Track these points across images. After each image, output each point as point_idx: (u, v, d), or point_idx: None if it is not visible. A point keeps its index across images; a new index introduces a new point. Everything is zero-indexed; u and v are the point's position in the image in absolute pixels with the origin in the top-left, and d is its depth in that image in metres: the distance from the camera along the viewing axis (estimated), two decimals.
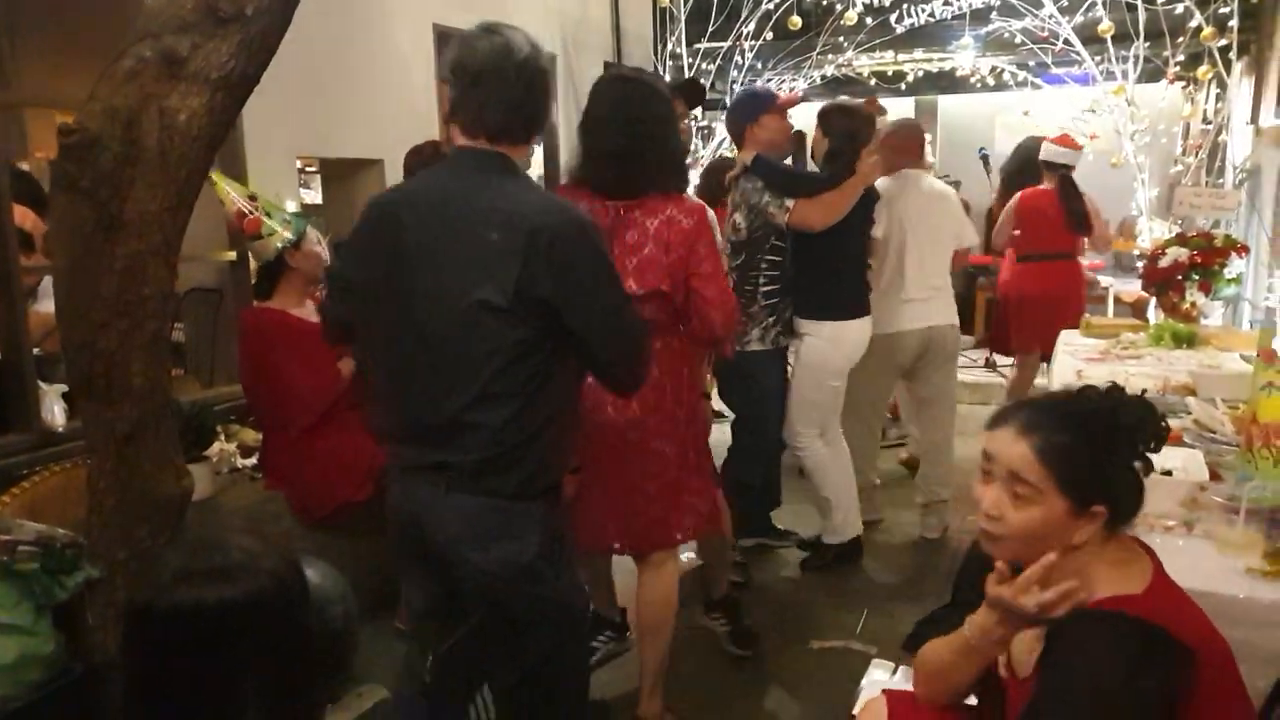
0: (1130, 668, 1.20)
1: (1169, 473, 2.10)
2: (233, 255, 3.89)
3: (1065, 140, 4.63)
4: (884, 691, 1.61)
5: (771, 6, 5.58)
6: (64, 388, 2.83)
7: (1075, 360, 3.47)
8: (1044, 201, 4.59)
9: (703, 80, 5.84)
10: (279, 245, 2.87)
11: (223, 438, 3.14)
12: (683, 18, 5.82)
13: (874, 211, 3.45)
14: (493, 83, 1.76)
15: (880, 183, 3.54)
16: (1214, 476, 2.10)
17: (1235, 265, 3.93)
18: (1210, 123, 5.33)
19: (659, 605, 2.51)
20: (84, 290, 1.98)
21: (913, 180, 3.76)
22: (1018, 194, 4.67)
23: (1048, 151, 4.61)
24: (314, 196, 6.40)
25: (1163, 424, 1.43)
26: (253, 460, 3.12)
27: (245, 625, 1.09)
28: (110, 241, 1.98)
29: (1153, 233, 5.10)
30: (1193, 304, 3.89)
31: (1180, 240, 3.99)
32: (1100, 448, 1.35)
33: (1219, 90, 5.19)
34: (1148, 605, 1.27)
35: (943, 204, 3.83)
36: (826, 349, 3.36)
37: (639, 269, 2.32)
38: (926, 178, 3.88)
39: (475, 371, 1.73)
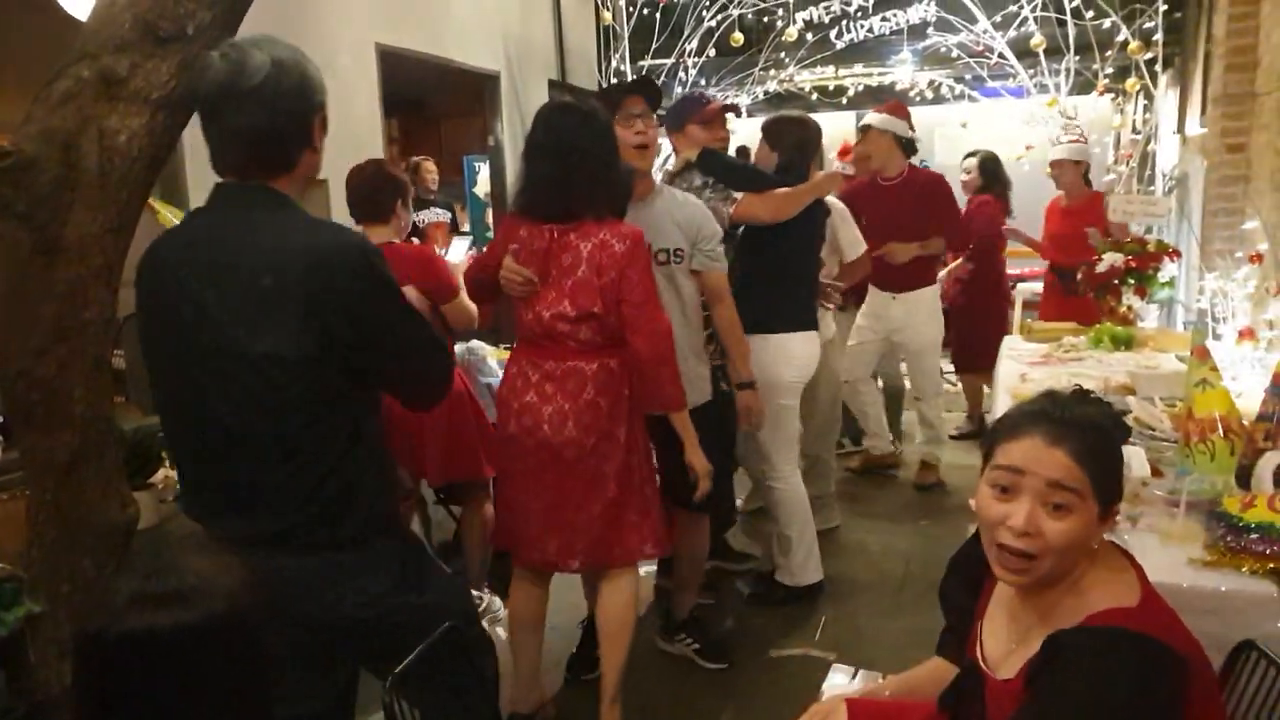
0: (1132, 688, 1.19)
1: None
2: None
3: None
4: (848, 700, 1.61)
5: (714, 24, 5.66)
6: None
7: (1019, 365, 3.55)
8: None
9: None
10: None
11: (167, 464, 3.06)
12: (626, 35, 5.87)
13: (824, 228, 3.43)
14: (227, 113, 1.61)
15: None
16: (1155, 472, 2.16)
17: (1168, 269, 4.06)
18: (1139, 132, 5.52)
19: (615, 618, 2.53)
20: (22, 316, 1.92)
21: None
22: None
23: None
24: None
25: (1128, 426, 1.47)
26: None
27: (201, 650, 1.06)
28: (50, 266, 1.93)
29: (1088, 240, 5.25)
30: (1129, 307, 4.01)
31: (1116, 246, 4.11)
32: (1116, 447, 1.36)
33: (1146, 101, 5.37)
34: (1144, 618, 1.26)
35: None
36: (772, 364, 3.19)
37: (573, 291, 2.38)
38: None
39: (279, 431, 1.60)
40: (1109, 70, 5.18)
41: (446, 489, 3.48)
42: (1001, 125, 5.86)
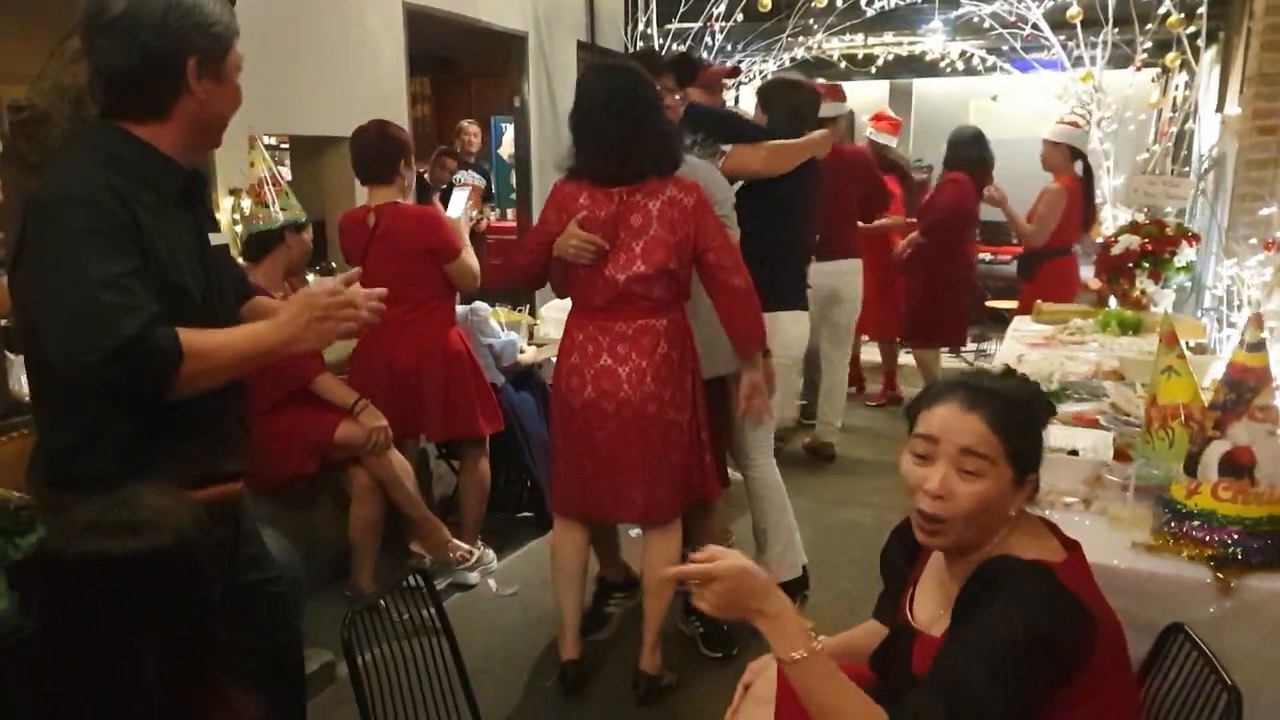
0: (1049, 612, 1.24)
1: (1075, 452, 2.17)
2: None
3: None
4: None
5: None
6: None
7: (1020, 345, 3.54)
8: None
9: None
10: (282, 220, 2.93)
11: None
12: None
13: (818, 196, 3.28)
14: (93, 50, 1.52)
15: None
16: (1125, 457, 2.16)
17: (1186, 253, 3.98)
18: (1179, 110, 5.36)
19: (666, 567, 2.57)
20: None
21: None
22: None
23: None
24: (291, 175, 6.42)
25: (1051, 403, 1.51)
26: None
27: (147, 579, 1.14)
28: None
29: (1118, 220, 5.14)
30: (1143, 291, 3.95)
31: (1132, 228, 4.04)
32: (1032, 418, 1.41)
33: (1188, 78, 5.22)
34: (1065, 574, 1.31)
35: None
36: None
37: (646, 250, 2.45)
38: None
39: (42, 390, 1.59)
40: (1147, 44, 5.03)
41: (447, 445, 3.58)
42: (1034, 99, 5.72)
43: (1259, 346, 1.69)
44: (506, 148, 6.31)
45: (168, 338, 1.45)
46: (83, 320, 1.41)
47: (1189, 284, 4.37)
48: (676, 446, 2.54)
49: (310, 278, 4.45)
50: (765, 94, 3.31)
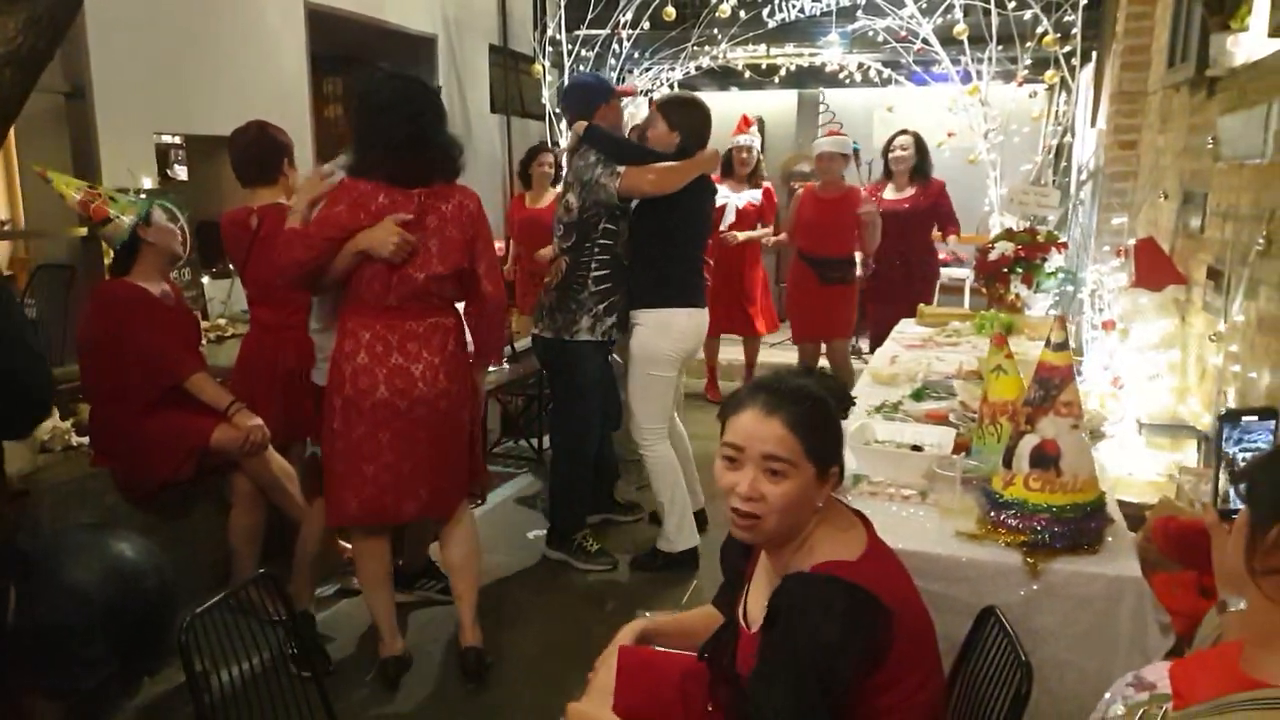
0: (840, 625, 1.33)
1: (919, 448, 2.30)
2: (84, 231, 3.84)
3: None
4: (620, 649, 1.74)
5: None
6: None
7: (896, 346, 3.70)
8: None
9: (581, 67, 5.95)
10: (129, 224, 2.88)
11: (56, 414, 3.12)
12: (561, 3, 5.89)
13: (710, 205, 3.52)
14: None
15: None
16: (964, 451, 2.29)
17: (1056, 259, 4.20)
18: (1060, 124, 5.63)
19: (469, 548, 2.78)
20: None
21: None
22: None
23: None
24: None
25: (849, 397, 1.60)
26: (88, 438, 3.12)
27: None
28: None
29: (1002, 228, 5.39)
30: (1016, 295, 4.16)
31: (1007, 235, 4.25)
32: (829, 414, 1.51)
33: (1065, 94, 5.48)
34: (858, 570, 1.41)
35: None
36: (652, 336, 3.33)
37: (441, 250, 2.53)
38: None
39: None
40: (1028, 61, 5.28)
41: None
42: (926, 111, 5.95)
43: (1063, 346, 1.82)
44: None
45: None
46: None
47: (1070, 288, 4.61)
48: (459, 443, 2.68)
49: (205, 279, 4.42)
50: (672, 110, 3.40)
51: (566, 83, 4.95)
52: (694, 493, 3.61)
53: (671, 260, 3.36)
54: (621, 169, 3.17)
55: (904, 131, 5.24)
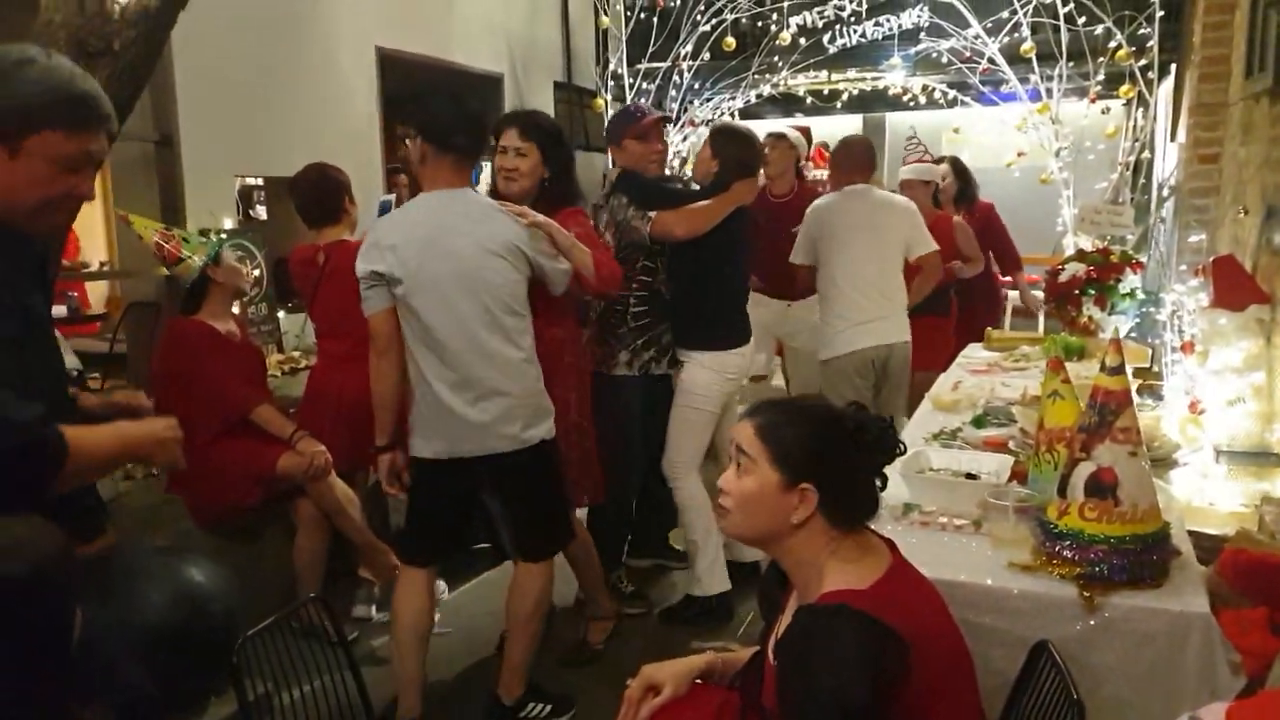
0: (847, 654, 1.32)
1: (974, 476, 2.23)
2: (167, 271, 4.03)
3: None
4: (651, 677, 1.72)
5: (708, 28, 5.74)
6: None
7: (961, 372, 3.61)
8: None
9: (643, 99, 6.02)
10: (198, 264, 3.03)
11: None
12: (624, 38, 5.98)
13: (744, 230, 3.32)
14: None
15: (823, 203, 3.68)
16: (1021, 479, 2.22)
17: (1131, 280, 4.05)
18: (1138, 140, 5.47)
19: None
20: None
21: (857, 195, 3.80)
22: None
23: None
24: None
25: (898, 447, 1.58)
26: None
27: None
28: None
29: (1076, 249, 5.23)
30: (1089, 318, 4.02)
31: (1079, 256, 4.12)
32: (818, 437, 1.50)
33: (1142, 109, 5.32)
34: (868, 600, 1.38)
35: (887, 215, 3.83)
36: (710, 378, 3.24)
37: None
38: (874, 191, 3.91)
39: None
40: (1101, 76, 5.15)
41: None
42: (995, 131, 5.84)
43: (1119, 370, 1.75)
44: (483, 186, 6.45)
45: (56, 433, 1.43)
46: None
47: (1152, 309, 4.44)
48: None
49: (280, 314, 4.59)
50: (717, 140, 3.35)
51: None
52: (716, 573, 3.36)
53: (711, 298, 3.27)
54: (653, 214, 3.12)
55: (940, 160, 5.01)
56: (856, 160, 3.93)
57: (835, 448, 1.51)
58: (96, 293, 6.48)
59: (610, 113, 6.20)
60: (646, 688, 1.68)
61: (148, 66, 2.31)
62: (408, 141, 2.58)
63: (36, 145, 1.51)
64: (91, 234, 6.05)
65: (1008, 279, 5.15)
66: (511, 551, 2.80)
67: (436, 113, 2.49)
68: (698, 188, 3.39)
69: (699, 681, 1.73)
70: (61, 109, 1.51)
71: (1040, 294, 5.33)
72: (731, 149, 3.30)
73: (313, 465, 2.97)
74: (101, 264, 5.61)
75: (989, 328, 4.27)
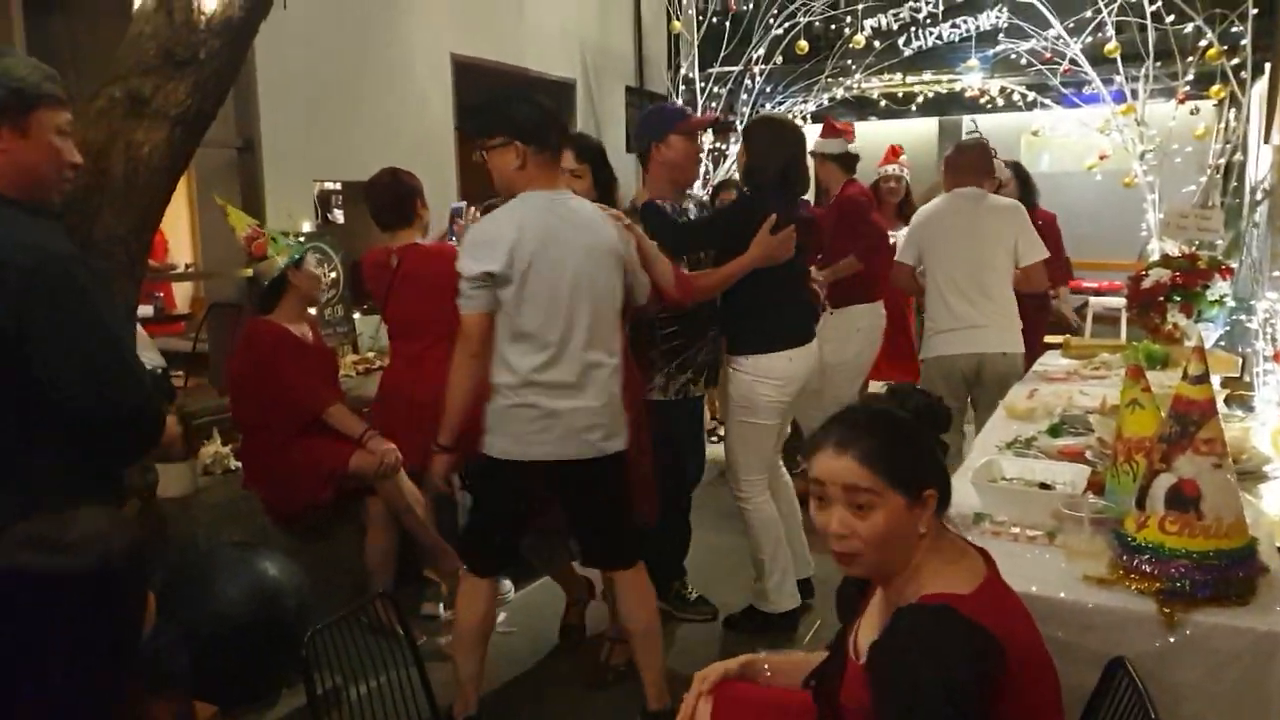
0: (949, 658, 1.29)
1: (1049, 486, 2.17)
2: (249, 272, 4.16)
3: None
4: (718, 685, 1.71)
5: (781, 31, 5.70)
6: None
7: (1038, 381, 3.51)
8: None
9: (714, 104, 6.01)
10: (281, 265, 3.12)
11: (219, 441, 3.38)
12: (695, 43, 5.98)
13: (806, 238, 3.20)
14: None
15: (931, 205, 3.63)
16: (1098, 490, 2.15)
17: (1220, 287, 3.89)
18: (1229, 142, 5.25)
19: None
20: None
21: (968, 201, 3.74)
22: None
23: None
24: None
25: (943, 410, 1.54)
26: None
27: (63, 596, 1.23)
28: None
29: (1161, 254, 5.04)
30: (1175, 325, 3.87)
31: (1164, 261, 3.97)
32: (907, 436, 1.46)
33: (1234, 109, 5.11)
34: (969, 604, 1.35)
35: (995, 222, 3.74)
36: (750, 384, 3.11)
37: None
38: (988, 197, 3.83)
39: None
40: (1189, 76, 4.96)
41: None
42: (1075, 133, 5.67)
43: (1202, 379, 1.69)
44: None
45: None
46: (117, 377, 1.65)
47: (1243, 317, 4.26)
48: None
49: (356, 315, 4.70)
50: (750, 129, 3.25)
51: None
52: (798, 555, 3.33)
53: (760, 301, 3.10)
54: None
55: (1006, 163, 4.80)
56: (970, 164, 3.86)
57: (921, 440, 1.48)
58: (182, 293, 6.73)
59: None
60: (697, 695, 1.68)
61: (232, 74, 2.38)
62: (485, 153, 2.48)
63: (42, 121, 1.69)
64: (177, 235, 6.29)
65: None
66: (588, 562, 2.78)
67: (529, 114, 2.45)
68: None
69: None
70: (46, 84, 1.71)
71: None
72: (759, 138, 3.18)
73: (383, 464, 3.03)
74: (187, 265, 5.82)
75: (1043, 335, 4.15)
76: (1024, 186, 4.65)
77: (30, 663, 1.24)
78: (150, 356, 2.72)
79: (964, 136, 4.48)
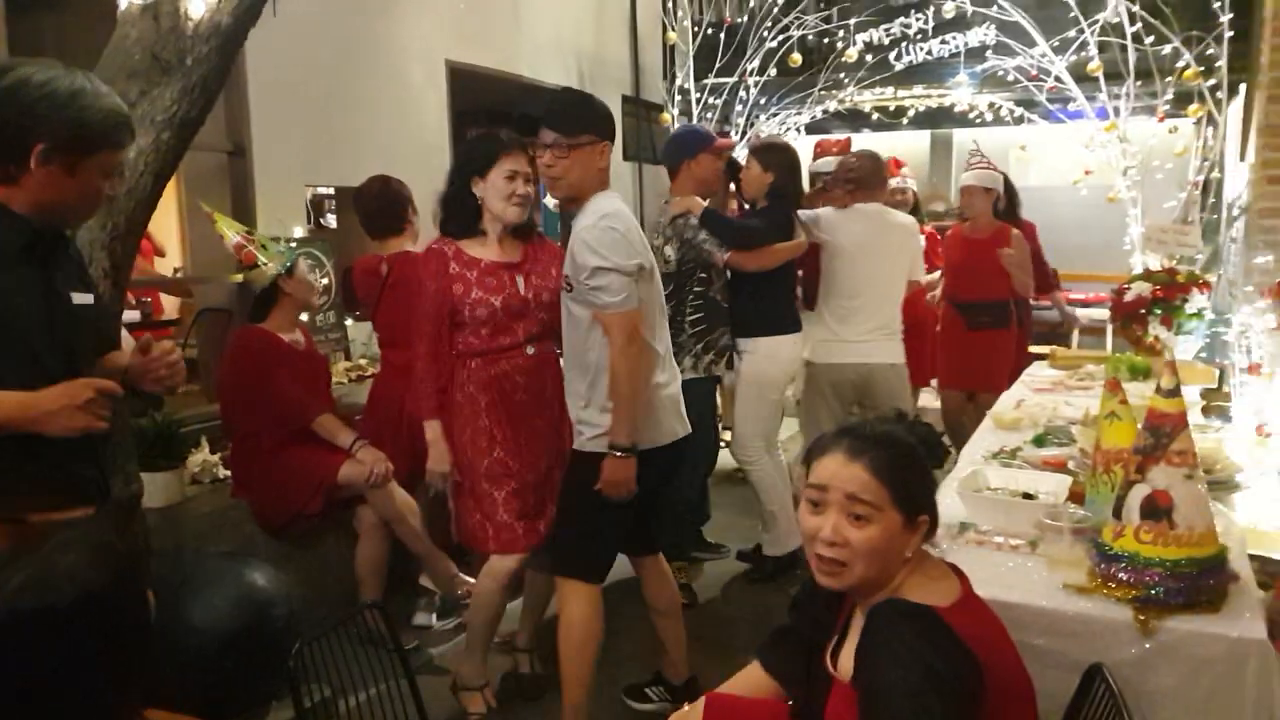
0: (932, 654, 1.30)
1: (1032, 496, 2.22)
2: (240, 277, 4.17)
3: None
4: (707, 695, 1.74)
5: (775, 44, 5.77)
6: None
7: (1024, 390, 3.57)
8: None
9: (709, 115, 6.07)
10: (272, 274, 3.11)
11: (207, 449, 3.37)
12: (690, 54, 6.04)
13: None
14: None
15: (829, 215, 3.78)
16: (1079, 500, 2.19)
17: (1198, 300, 3.97)
18: (1208, 159, 5.34)
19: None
20: None
21: (862, 215, 3.86)
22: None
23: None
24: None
25: (942, 446, 1.58)
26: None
27: (57, 634, 1.12)
28: None
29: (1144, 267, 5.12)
30: (1155, 337, 3.95)
31: (1145, 275, 4.05)
32: (918, 461, 1.49)
33: (1211, 128, 5.20)
34: (952, 616, 1.38)
35: (889, 239, 3.91)
36: (763, 363, 3.65)
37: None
38: (884, 212, 3.95)
39: None
40: (1168, 95, 5.05)
41: None
42: (1060, 149, 5.75)
43: (1174, 392, 1.74)
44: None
45: None
46: None
47: (1221, 330, 4.34)
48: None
49: (348, 322, 4.70)
50: (762, 154, 3.77)
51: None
52: (793, 533, 3.60)
53: (766, 293, 3.67)
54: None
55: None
56: (861, 177, 3.94)
57: (926, 467, 1.50)
58: (170, 298, 6.70)
59: (676, 126, 6.27)
60: None
61: (220, 80, 2.38)
62: (553, 151, 2.40)
63: (99, 164, 1.68)
64: (167, 241, 6.26)
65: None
66: (639, 548, 2.75)
67: (609, 116, 2.49)
68: (748, 206, 3.80)
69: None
70: (114, 133, 1.68)
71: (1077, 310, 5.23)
72: (779, 159, 3.71)
73: (373, 474, 3.03)
74: (175, 270, 5.80)
75: (1028, 345, 4.23)
76: (1009, 197, 4.72)
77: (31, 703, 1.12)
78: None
79: (969, 152, 4.53)
